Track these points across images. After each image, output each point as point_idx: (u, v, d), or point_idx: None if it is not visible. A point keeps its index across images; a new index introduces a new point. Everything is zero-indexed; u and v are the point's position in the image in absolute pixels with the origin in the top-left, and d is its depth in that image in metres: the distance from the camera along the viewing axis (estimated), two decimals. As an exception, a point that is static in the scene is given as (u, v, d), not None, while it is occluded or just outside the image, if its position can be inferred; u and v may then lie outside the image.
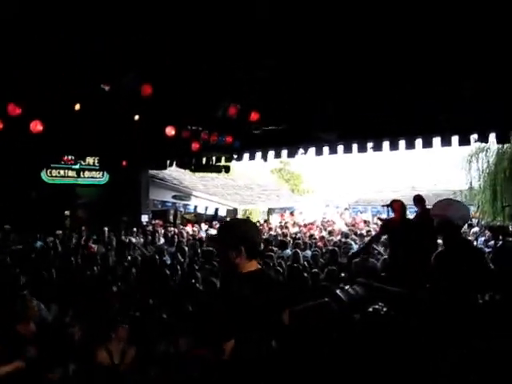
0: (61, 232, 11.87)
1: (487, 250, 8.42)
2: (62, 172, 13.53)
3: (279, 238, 11.56)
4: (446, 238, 4.12)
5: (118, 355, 4.36)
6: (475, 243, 7.24)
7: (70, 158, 12.56)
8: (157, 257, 8.59)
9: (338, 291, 4.69)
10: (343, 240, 11.19)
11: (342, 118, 8.11)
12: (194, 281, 6.41)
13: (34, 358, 4.07)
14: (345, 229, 14.08)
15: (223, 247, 2.73)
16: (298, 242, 10.33)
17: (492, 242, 9.55)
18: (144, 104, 6.91)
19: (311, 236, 12.47)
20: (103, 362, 4.17)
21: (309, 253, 9.49)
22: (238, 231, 2.74)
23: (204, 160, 12.09)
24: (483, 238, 11.15)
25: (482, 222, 14.76)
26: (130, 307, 5.64)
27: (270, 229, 14.89)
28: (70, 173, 13.70)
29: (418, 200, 7.51)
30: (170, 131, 8.45)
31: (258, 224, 16.23)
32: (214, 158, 12.15)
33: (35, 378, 3.81)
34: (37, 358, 4.06)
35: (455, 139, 8.13)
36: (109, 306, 5.39)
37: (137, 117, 7.71)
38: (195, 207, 18.66)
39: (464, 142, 8.08)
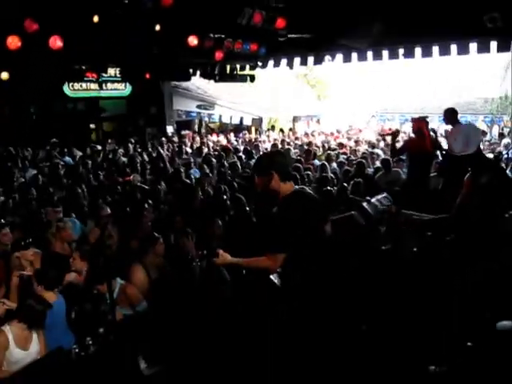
0: (98, 146, 11.85)
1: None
2: (84, 85, 13.34)
3: (305, 148, 11.43)
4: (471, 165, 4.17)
5: (154, 270, 4.55)
6: (506, 156, 6.98)
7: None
8: (182, 170, 8.63)
9: (364, 204, 4.72)
10: (370, 150, 11.03)
11: (373, 22, 7.65)
12: (224, 197, 6.47)
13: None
14: (372, 138, 13.84)
15: (258, 177, 3.06)
16: (330, 154, 10.10)
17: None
18: (165, 13, 6.63)
19: (340, 145, 12.29)
20: (140, 277, 4.36)
21: (335, 165, 9.40)
22: (264, 160, 3.16)
23: (228, 69, 11.76)
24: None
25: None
26: (162, 223, 5.81)
27: (297, 138, 14.67)
28: (93, 85, 13.49)
29: (448, 115, 6.46)
30: (193, 40, 8.19)
31: (282, 133, 16.13)
32: (238, 67, 11.81)
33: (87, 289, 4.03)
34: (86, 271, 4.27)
35: (493, 44, 7.60)
36: (142, 222, 5.53)
37: (158, 27, 7.44)
38: (220, 116, 18.48)
39: (503, 47, 7.54)
